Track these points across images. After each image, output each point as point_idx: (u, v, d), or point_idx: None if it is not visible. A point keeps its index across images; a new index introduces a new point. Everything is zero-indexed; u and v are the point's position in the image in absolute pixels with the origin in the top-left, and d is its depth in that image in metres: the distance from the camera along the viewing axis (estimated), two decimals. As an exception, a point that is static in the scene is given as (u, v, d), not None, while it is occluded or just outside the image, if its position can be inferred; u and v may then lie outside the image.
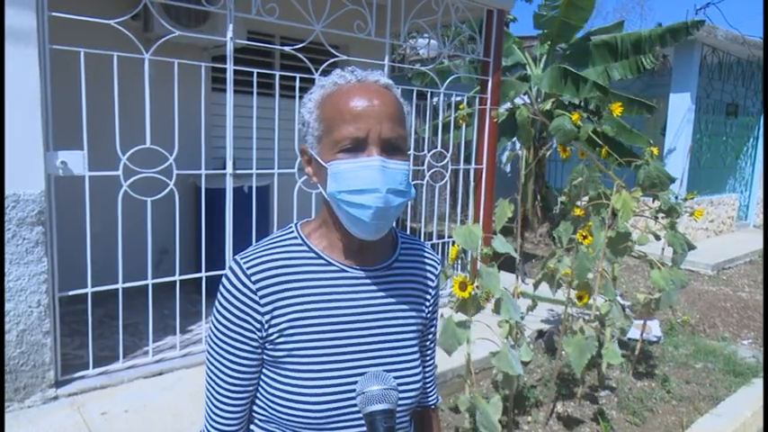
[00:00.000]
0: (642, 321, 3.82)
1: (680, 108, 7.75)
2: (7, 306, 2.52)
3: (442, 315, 2.31)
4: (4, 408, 2.53)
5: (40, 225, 2.58)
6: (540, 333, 4.09)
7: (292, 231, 1.01)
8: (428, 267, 1.09)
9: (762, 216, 9.78)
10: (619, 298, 3.27)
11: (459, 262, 2.61)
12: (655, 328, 4.37)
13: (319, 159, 0.93)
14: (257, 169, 3.41)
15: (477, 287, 2.36)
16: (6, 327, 2.53)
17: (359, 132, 0.88)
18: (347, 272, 0.98)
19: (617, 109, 2.89)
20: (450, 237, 4.57)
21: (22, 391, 2.61)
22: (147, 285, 3.05)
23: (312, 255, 0.97)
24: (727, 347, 4.33)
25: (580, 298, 2.87)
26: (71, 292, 2.84)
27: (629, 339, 3.98)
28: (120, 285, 2.96)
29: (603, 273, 3.05)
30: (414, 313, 1.04)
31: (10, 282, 2.52)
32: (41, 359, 2.65)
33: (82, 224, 2.82)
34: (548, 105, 6.76)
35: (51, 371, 2.69)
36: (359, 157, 0.89)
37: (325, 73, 0.98)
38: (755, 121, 9.49)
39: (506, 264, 3.24)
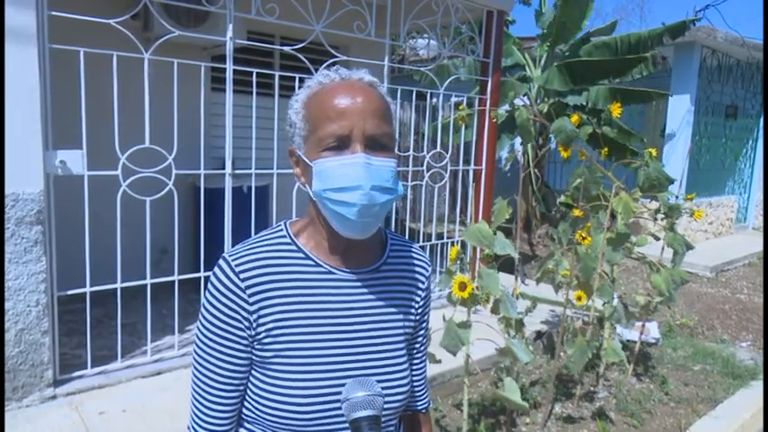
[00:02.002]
0: (641, 323, 3.83)
1: (679, 110, 7.76)
2: (6, 305, 2.52)
3: (444, 317, 2.32)
4: (3, 407, 2.53)
5: (38, 224, 2.57)
6: (539, 334, 4.09)
7: (281, 230, 1.00)
8: (417, 269, 1.08)
9: (760, 218, 9.79)
10: (615, 299, 3.27)
11: (459, 262, 2.61)
12: (653, 330, 4.38)
13: (305, 158, 0.92)
14: (256, 169, 3.41)
15: (476, 288, 2.36)
16: (5, 326, 2.52)
17: (342, 130, 0.88)
18: (335, 274, 0.97)
19: (616, 110, 2.89)
20: (449, 237, 4.57)
21: (20, 390, 2.61)
22: (146, 285, 3.05)
23: (301, 255, 0.96)
24: (725, 349, 4.33)
25: (579, 298, 2.87)
26: (70, 292, 2.83)
27: (628, 341, 3.98)
28: (118, 285, 2.96)
29: (603, 274, 3.05)
30: (401, 316, 1.03)
31: (9, 281, 2.51)
32: (40, 358, 2.65)
33: (81, 223, 2.81)
34: (546, 107, 6.76)
35: (49, 370, 2.69)
36: (343, 155, 0.88)
37: (323, 74, 0.98)
38: (755, 123, 9.50)
39: (505, 264, 3.24)
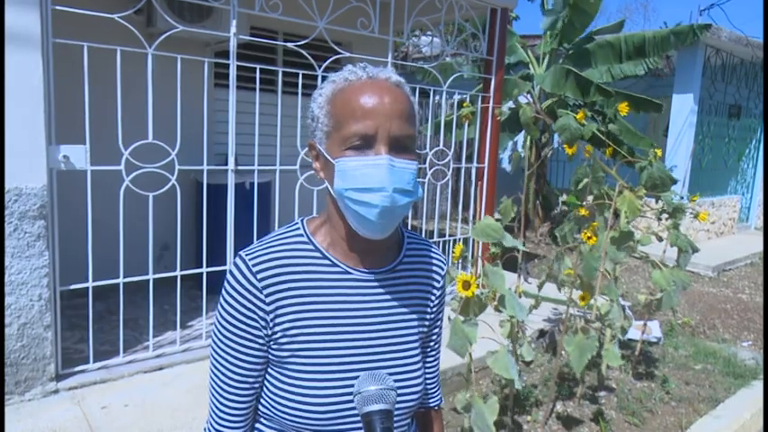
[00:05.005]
0: (642, 322, 3.82)
1: (682, 109, 7.73)
2: (8, 299, 2.52)
3: (449, 317, 2.31)
4: (3, 401, 2.54)
5: (41, 219, 2.58)
6: (542, 332, 4.09)
7: (298, 228, 0.99)
8: (434, 268, 1.08)
9: (762, 218, 9.77)
10: (619, 298, 3.27)
11: (461, 260, 2.61)
12: (655, 329, 4.37)
13: (327, 155, 0.91)
14: (259, 165, 3.41)
15: (481, 286, 2.35)
16: (7, 320, 2.53)
17: (368, 129, 0.87)
18: (351, 274, 0.96)
19: (623, 109, 2.88)
20: (451, 235, 4.57)
21: (22, 384, 2.61)
22: (148, 280, 3.06)
23: (318, 254, 0.96)
24: (726, 349, 4.33)
25: (582, 298, 2.87)
26: (72, 287, 2.84)
27: (630, 340, 3.98)
28: (120, 280, 2.96)
29: (606, 273, 3.05)
30: (417, 316, 1.03)
31: (11, 275, 2.52)
32: (42, 353, 2.65)
33: (83, 219, 2.82)
34: (549, 104, 6.75)
35: (52, 364, 2.70)
36: (367, 155, 0.87)
37: (329, 70, 0.97)
38: (758, 124, 9.47)
39: (508, 263, 3.24)
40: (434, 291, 1.07)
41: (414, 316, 1.03)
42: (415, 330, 1.03)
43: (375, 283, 0.98)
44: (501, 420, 3.02)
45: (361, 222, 0.90)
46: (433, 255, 1.09)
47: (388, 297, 0.99)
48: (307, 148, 1.00)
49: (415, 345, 1.03)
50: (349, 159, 0.88)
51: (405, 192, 0.89)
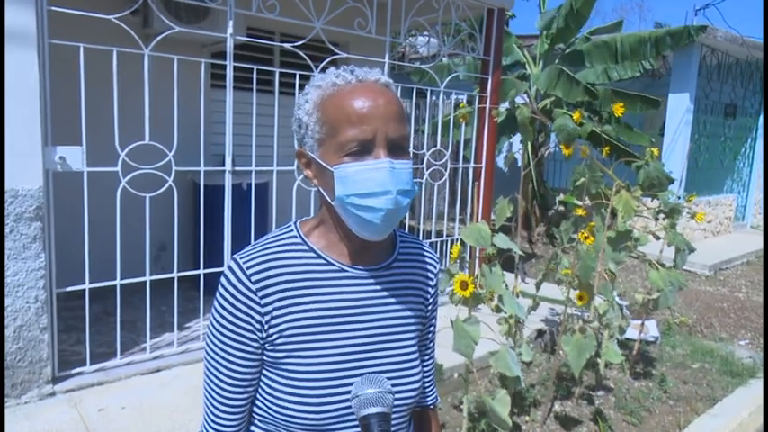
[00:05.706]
0: (640, 321, 3.83)
1: (678, 109, 7.75)
2: (5, 301, 2.51)
3: (450, 320, 2.31)
4: (3, 403, 2.52)
5: (38, 220, 2.56)
6: (540, 332, 4.09)
7: (292, 230, 0.99)
8: (427, 266, 1.08)
9: (759, 217, 9.80)
10: (616, 298, 3.27)
11: (459, 261, 2.61)
12: (652, 328, 4.38)
13: (322, 163, 0.90)
14: (256, 166, 3.40)
15: (479, 286, 2.35)
16: (4, 322, 2.51)
17: (365, 134, 0.86)
18: (347, 271, 0.96)
19: (618, 109, 2.89)
20: (449, 236, 4.57)
21: (18, 386, 2.60)
22: (145, 282, 3.05)
23: (312, 254, 0.96)
24: (724, 348, 4.34)
25: (580, 298, 2.87)
26: (69, 288, 2.83)
27: (627, 339, 3.98)
28: (117, 282, 2.95)
29: (603, 273, 3.05)
30: (413, 313, 1.03)
31: (8, 277, 2.51)
32: (38, 355, 2.64)
33: (80, 220, 2.81)
34: (546, 104, 6.76)
35: (48, 367, 2.68)
36: (366, 160, 0.87)
37: (325, 71, 0.96)
38: (754, 122, 9.51)
39: (505, 263, 3.24)
40: (429, 288, 1.08)
41: (411, 313, 1.03)
42: (413, 327, 1.03)
43: (372, 280, 0.98)
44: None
45: (363, 227, 0.90)
46: (425, 253, 1.10)
47: (384, 294, 0.99)
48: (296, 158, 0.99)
49: (413, 341, 1.03)
50: (349, 165, 0.87)
51: (405, 192, 0.89)
